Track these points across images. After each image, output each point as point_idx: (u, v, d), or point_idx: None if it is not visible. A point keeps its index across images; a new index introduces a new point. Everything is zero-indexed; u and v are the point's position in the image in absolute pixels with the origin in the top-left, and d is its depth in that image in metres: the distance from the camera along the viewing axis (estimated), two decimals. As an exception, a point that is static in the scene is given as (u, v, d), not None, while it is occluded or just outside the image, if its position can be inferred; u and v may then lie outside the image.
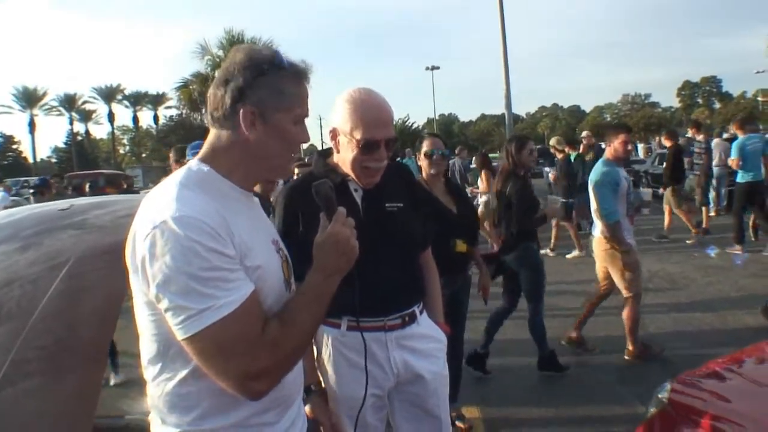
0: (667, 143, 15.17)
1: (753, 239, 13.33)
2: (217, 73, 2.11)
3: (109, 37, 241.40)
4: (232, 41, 41.15)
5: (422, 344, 3.17)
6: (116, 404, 4.13)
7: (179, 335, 1.80)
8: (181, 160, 7.39)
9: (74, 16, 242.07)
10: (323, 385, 3.14)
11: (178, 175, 2.00)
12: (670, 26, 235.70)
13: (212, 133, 2.09)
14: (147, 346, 1.97)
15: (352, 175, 3.05)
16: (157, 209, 1.84)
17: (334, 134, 3.04)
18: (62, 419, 2.16)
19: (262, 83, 2.00)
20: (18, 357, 2.10)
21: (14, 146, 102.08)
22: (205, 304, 1.77)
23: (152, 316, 1.90)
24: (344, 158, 3.03)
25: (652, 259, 12.32)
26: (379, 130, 2.95)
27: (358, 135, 2.92)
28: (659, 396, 3.46)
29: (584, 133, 19.84)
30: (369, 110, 2.96)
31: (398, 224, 3.10)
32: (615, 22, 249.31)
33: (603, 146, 9.11)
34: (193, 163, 2.05)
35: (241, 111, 1.99)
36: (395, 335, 3.08)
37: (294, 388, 2.23)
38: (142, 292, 1.88)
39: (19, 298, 2.26)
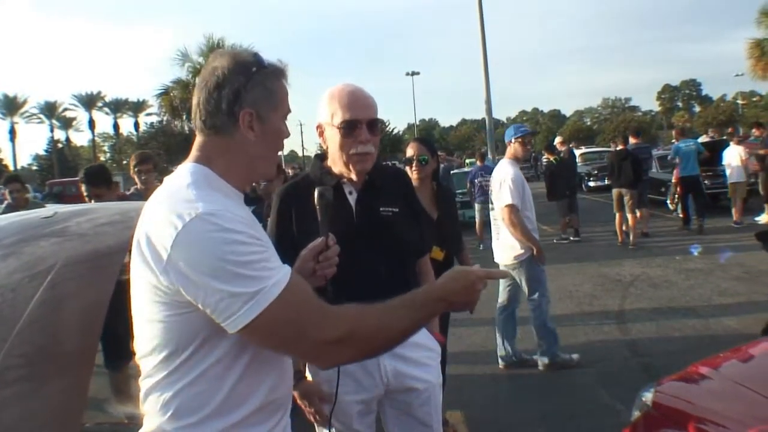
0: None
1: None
2: (198, 81, 2.09)
3: (90, 44, 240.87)
4: (212, 48, 41.04)
5: (414, 353, 3.13)
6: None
7: (237, 324, 1.79)
8: (142, 167, 7.23)
9: (54, 24, 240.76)
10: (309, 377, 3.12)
11: (183, 177, 1.97)
12: (649, 30, 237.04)
13: (202, 139, 2.07)
14: (156, 348, 1.93)
15: (344, 170, 3.04)
16: (178, 208, 1.81)
17: (320, 130, 3.06)
18: (46, 426, 2.14)
19: (253, 85, 2.01)
20: (1, 365, 2.08)
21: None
22: (259, 286, 1.79)
23: (172, 316, 1.87)
24: (333, 151, 3.03)
25: (633, 263, 12.42)
26: (359, 111, 2.95)
27: (338, 119, 2.93)
28: (643, 399, 3.48)
29: (558, 140, 20.15)
30: (347, 94, 2.98)
31: (391, 229, 3.09)
32: (595, 25, 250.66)
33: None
34: (188, 166, 2.02)
35: (240, 114, 2.00)
36: None
37: (289, 393, 2.25)
38: (158, 292, 1.85)
39: (0, 306, 2.24)
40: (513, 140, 7.25)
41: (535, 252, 6.97)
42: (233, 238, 1.78)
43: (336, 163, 3.06)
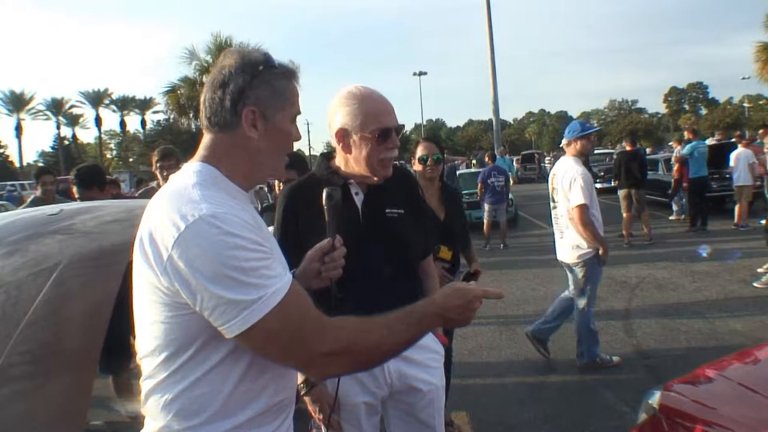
0: None
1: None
2: (206, 78, 2.09)
3: (97, 41, 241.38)
4: (220, 46, 40.93)
5: (418, 354, 3.12)
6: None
7: (233, 331, 1.79)
8: (165, 163, 6.81)
9: (62, 20, 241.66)
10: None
11: (188, 176, 1.97)
12: (656, 32, 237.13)
13: (209, 137, 2.07)
14: (157, 348, 1.92)
15: (366, 173, 3.01)
16: (182, 208, 1.80)
17: (342, 135, 2.98)
18: (49, 423, 2.13)
19: (258, 83, 2.01)
20: (4, 362, 2.07)
21: (1, 150, 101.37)
22: (257, 294, 1.78)
23: (173, 317, 1.86)
24: (357, 156, 2.98)
25: (639, 265, 12.38)
26: (391, 118, 2.96)
27: (372, 126, 2.90)
28: (649, 402, 3.46)
29: (564, 141, 20.15)
30: (375, 101, 2.96)
31: (397, 231, 3.08)
32: (602, 27, 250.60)
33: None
34: (195, 165, 2.03)
35: (243, 112, 2.00)
36: None
37: (292, 394, 2.24)
38: (159, 293, 1.85)
39: (4, 304, 2.24)
40: (579, 137, 7.21)
41: (600, 252, 6.94)
42: (235, 242, 1.77)
43: (357, 167, 3.03)
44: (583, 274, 7.08)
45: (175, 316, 1.85)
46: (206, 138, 2.08)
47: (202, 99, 2.08)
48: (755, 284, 10.02)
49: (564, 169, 7.18)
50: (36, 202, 7.55)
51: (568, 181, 7.00)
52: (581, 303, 7.12)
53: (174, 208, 1.82)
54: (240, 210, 1.88)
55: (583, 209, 6.84)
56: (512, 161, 36.01)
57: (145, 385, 1.98)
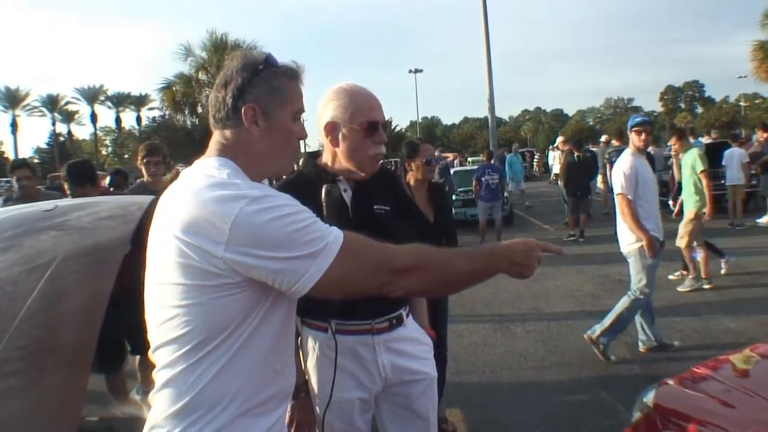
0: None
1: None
2: (202, 75, 2.16)
3: (92, 38, 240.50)
4: (216, 43, 40.94)
5: (410, 347, 3.18)
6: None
7: (310, 282, 1.91)
8: (151, 158, 6.77)
9: (56, 16, 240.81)
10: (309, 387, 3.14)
11: (216, 169, 2.03)
12: (653, 30, 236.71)
13: (217, 135, 2.17)
14: (187, 335, 1.94)
15: (354, 169, 3.06)
16: (228, 194, 1.89)
17: (331, 128, 3.02)
18: (43, 419, 2.13)
19: (258, 81, 2.11)
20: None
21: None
22: (322, 243, 1.92)
23: (214, 299, 1.91)
24: (345, 150, 3.02)
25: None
26: (378, 113, 3.03)
27: (360, 119, 2.96)
28: (643, 400, 3.47)
29: (559, 139, 20.30)
30: (364, 96, 3.03)
31: (385, 227, 3.07)
32: (599, 25, 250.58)
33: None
34: (215, 160, 2.09)
35: (243, 109, 2.09)
36: (383, 338, 3.09)
37: (292, 384, 2.30)
38: (205, 275, 1.88)
39: (-1, 299, 2.23)
40: (630, 131, 7.39)
41: (644, 243, 6.98)
42: (286, 211, 1.90)
43: (345, 161, 3.06)
44: (632, 265, 7.23)
45: (218, 297, 1.91)
46: (215, 135, 2.18)
47: (209, 99, 2.19)
48: (679, 288, 10.21)
49: (618, 161, 7.42)
50: (16, 200, 7.12)
51: (616, 172, 7.26)
52: (632, 293, 7.22)
53: (218, 196, 1.89)
54: (273, 189, 2.00)
55: (622, 198, 7.06)
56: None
57: (161, 374, 2.00)
